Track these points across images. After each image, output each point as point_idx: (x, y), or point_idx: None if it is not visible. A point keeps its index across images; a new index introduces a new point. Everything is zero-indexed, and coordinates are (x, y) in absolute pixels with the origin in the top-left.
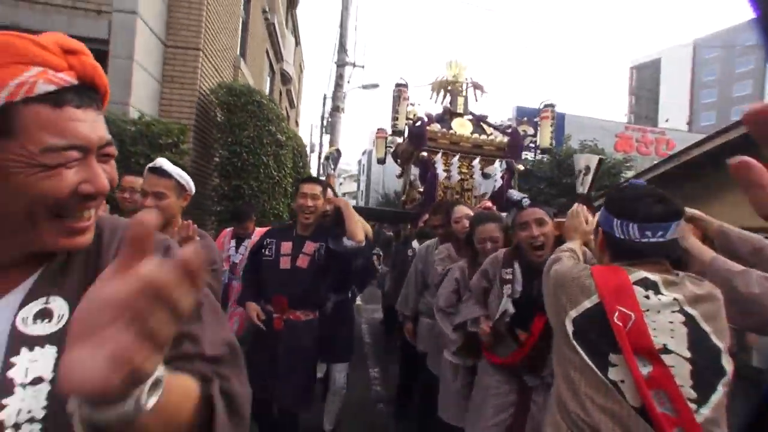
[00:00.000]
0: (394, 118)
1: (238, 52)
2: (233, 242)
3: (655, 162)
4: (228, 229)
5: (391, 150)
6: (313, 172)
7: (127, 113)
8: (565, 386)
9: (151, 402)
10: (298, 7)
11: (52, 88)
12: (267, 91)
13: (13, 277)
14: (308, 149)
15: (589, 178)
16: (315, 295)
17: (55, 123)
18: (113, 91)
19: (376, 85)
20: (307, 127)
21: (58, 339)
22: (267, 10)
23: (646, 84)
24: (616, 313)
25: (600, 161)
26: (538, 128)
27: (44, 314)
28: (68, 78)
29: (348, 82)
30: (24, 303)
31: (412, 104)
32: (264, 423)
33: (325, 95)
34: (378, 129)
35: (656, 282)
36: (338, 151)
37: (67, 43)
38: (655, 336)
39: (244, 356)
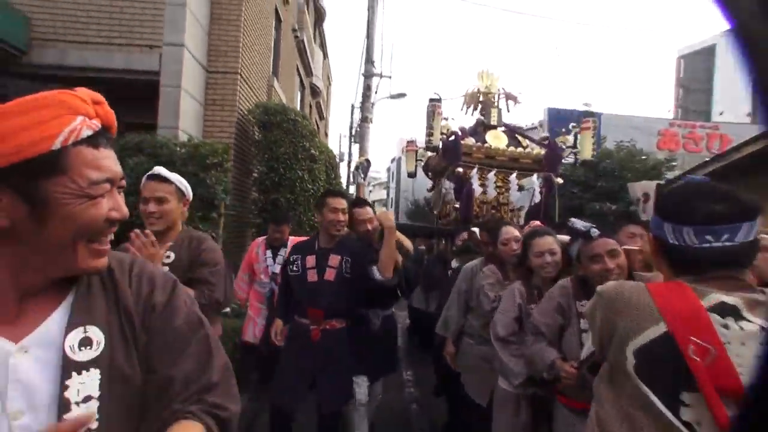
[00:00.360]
0: (429, 134)
1: (271, 72)
2: (269, 252)
3: (706, 160)
4: (259, 239)
5: (422, 163)
6: (343, 182)
7: (176, 136)
8: (623, 426)
9: None
10: (325, 22)
11: (90, 132)
12: (298, 105)
13: (50, 301)
14: (337, 158)
15: (650, 204)
16: (345, 304)
17: (94, 161)
18: (164, 117)
19: (403, 95)
20: (336, 137)
21: (99, 363)
22: (296, 28)
23: (697, 74)
24: (691, 346)
25: (658, 186)
26: (578, 139)
27: (86, 342)
28: (98, 123)
29: (375, 92)
30: (67, 332)
31: (446, 119)
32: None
33: (353, 105)
34: (407, 142)
35: (736, 306)
36: (368, 161)
37: (95, 96)
38: (742, 374)
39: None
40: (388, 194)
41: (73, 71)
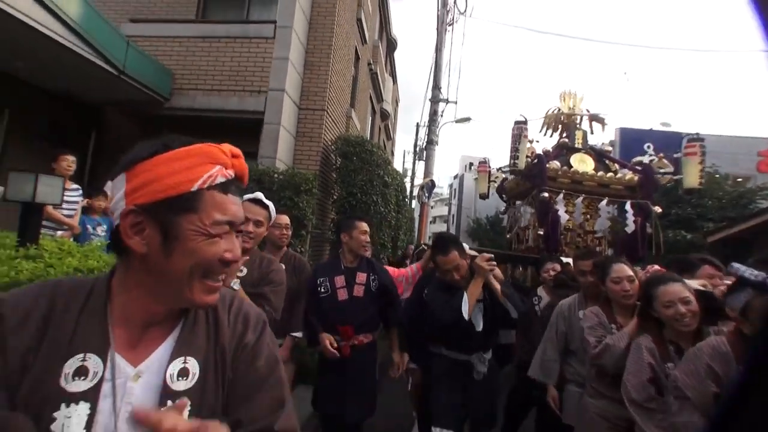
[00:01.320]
0: (514, 157)
1: (349, 104)
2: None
3: None
4: None
5: (495, 185)
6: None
7: (275, 165)
8: None
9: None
10: (396, 51)
11: (223, 180)
12: (368, 129)
13: (163, 330)
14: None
15: None
16: (373, 319)
17: (221, 204)
18: (265, 148)
19: (468, 119)
20: (401, 153)
21: (190, 393)
22: (372, 62)
23: None
24: None
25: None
26: (682, 165)
27: (184, 372)
28: (231, 173)
29: (441, 115)
30: (170, 361)
31: (530, 141)
32: None
33: (418, 124)
34: (480, 163)
35: None
36: (432, 182)
37: (234, 150)
38: None
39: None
40: (449, 211)
41: (200, 112)
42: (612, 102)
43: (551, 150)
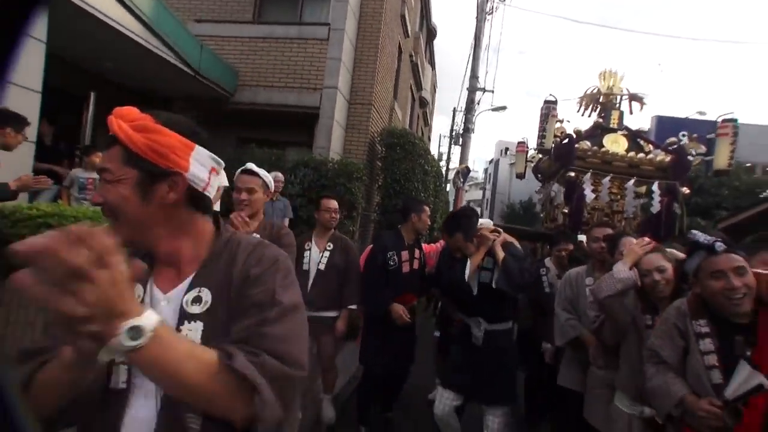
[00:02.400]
0: (541, 136)
1: (392, 96)
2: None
3: None
4: (371, 247)
5: (532, 165)
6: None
7: (328, 155)
8: None
9: (133, 343)
10: (436, 39)
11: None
12: (408, 117)
13: (191, 267)
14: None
15: None
16: (419, 287)
17: None
18: (320, 140)
19: (504, 108)
20: (438, 137)
21: (203, 317)
22: (413, 54)
23: None
24: None
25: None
26: (715, 145)
27: (197, 300)
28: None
29: (478, 103)
30: (188, 290)
31: (560, 121)
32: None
33: (454, 109)
34: (519, 143)
35: None
36: (467, 168)
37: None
38: None
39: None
40: (483, 195)
41: (262, 106)
42: (648, 91)
43: (584, 130)
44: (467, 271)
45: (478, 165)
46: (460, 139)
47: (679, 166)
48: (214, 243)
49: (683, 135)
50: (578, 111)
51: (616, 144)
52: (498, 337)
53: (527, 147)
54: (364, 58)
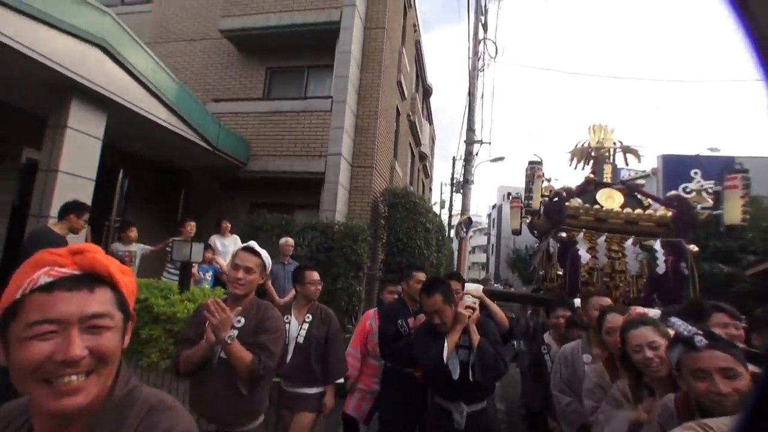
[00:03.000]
0: (528, 197)
1: (392, 156)
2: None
3: None
4: (371, 312)
5: (527, 221)
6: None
7: (333, 217)
8: None
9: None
10: (432, 96)
11: (49, 279)
12: (408, 172)
13: None
14: (438, 206)
15: None
16: None
17: (42, 305)
18: (326, 203)
19: (502, 158)
20: (438, 185)
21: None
22: (410, 114)
23: None
24: None
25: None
26: (723, 199)
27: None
28: (67, 271)
29: (476, 154)
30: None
31: (548, 179)
32: None
33: (454, 158)
34: (513, 198)
35: None
36: (470, 219)
37: (75, 248)
38: None
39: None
40: (488, 240)
41: (271, 173)
42: (649, 134)
43: (575, 187)
44: (445, 353)
45: (481, 210)
46: (461, 189)
47: (683, 221)
48: (105, 399)
49: (695, 173)
50: (570, 166)
51: (611, 199)
52: (479, 417)
53: (521, 202)
54: (365, 125)
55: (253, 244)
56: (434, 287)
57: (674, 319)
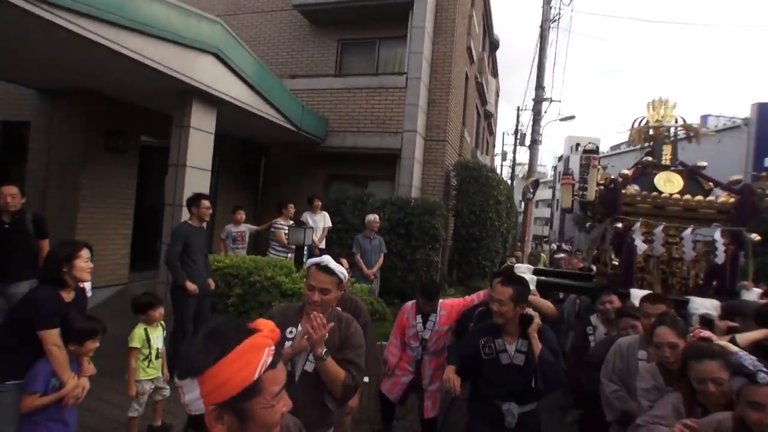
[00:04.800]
0: (582, 188)
1: (461, 124)
2: (419, 317)
3: None
4: (409, 304)
5: (579, 198)
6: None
7: (410, 192)
8: None
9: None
10: (498, 49)
11: (271, 359)
12: (474, 133)
13: None
14: (499, 158)
15: None
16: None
17: (275, 378)
18: (403, 178)
19: (572, 117)
20: (500, 135)
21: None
22: (478, 75)
23: None
24: None
25: None
26: None
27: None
28: (273, 348)
29: (545, 112)
30: None
31: (604, 167)
32: None
33: (518, 108)
34: (564, 176)
35: None
36: (536, 182)
37: (271, 327)
38: None
39: None
40: (553, 195)
41: (348, 149)
42: (738, 85)
43: (632, 172)
44: (511, 352)
45: (545, 159)
46: (525, 140)
47: (746, 209)
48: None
49: None
50: (628, 146)
51: (669, 183)
52: (529, 417)
53: (573, 179)
54: (437, 98)
55: (327, 261)
56: (512, 280)
57: (739, 354)
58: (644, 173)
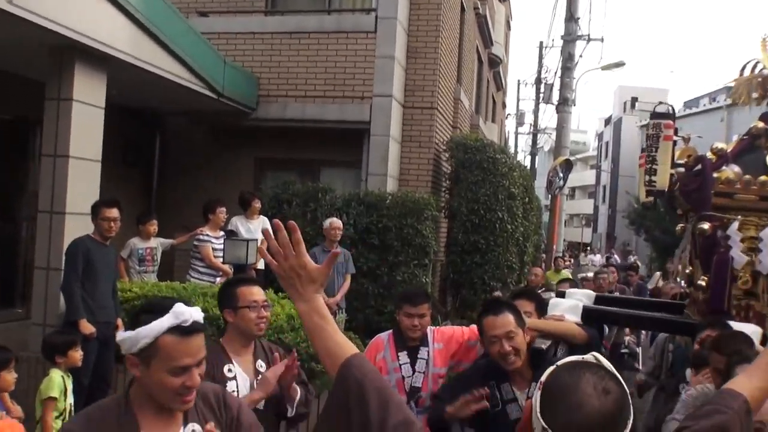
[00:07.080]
0: (649, 171)
1: (455, 81)
2: (403, 356)
3: None
4: (385, 336)
5: (647, 186)
6: (511, 144)
7: (384, 183)
8: None
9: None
10: None
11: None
12: (474, 90)
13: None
14: (513, 122)
15: None
16: None
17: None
18: (374, 165)
19: (621, 64)
20: (515, 85)
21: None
22: (479, 2)
23: None
24: None
25: None
26: None
27: None
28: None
29: (581, 56)
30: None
31: (683, 138)
32: None
33: (541, 43)
34: (641, 154)
35: None
36: (568, 162)
37: None
38: None
39: None
40: (597, 179)
41: (292, 122)
42: None
43: (733, 146)
44: (522, 402)
45: (584, 124)
46: (552, 96)
47: None
48: None
49: None
50: (734, 103)
51: None
52: None
53: (676, 133)
54: (421, 46)
55: (195, 316)
56: (501, 305)
57: None
58: (752, 148)
